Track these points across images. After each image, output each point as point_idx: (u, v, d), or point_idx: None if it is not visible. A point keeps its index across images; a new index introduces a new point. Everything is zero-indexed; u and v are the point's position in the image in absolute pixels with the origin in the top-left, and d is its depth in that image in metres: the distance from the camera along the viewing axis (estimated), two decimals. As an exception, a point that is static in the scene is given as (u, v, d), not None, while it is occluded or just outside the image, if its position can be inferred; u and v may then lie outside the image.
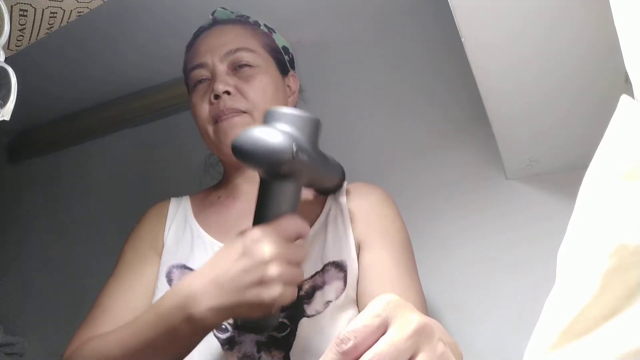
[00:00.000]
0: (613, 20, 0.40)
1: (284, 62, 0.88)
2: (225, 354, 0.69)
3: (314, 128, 0.63)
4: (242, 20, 0.88)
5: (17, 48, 0.58)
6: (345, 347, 0.35)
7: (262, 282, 0.56)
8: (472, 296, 1.05)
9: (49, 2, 0.55)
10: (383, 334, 0.35)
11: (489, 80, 0.84)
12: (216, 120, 0.79)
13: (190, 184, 0.96)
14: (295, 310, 0.71)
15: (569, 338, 0.31)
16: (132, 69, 1.39)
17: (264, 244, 0.57)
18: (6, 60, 0.46)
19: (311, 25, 1.28)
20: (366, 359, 0.34)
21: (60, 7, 0.56)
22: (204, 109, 0.80)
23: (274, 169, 0.59)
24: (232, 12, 0.90)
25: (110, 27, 1.20)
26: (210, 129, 0.80)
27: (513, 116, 0.92)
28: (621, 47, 0.38)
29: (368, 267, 0.73)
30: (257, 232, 0.58)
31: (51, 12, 0.56)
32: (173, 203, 0.86)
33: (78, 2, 0.57)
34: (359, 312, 0.72)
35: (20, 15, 0.54)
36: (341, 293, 0.72)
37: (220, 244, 0.77)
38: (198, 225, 0.81)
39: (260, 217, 0.61)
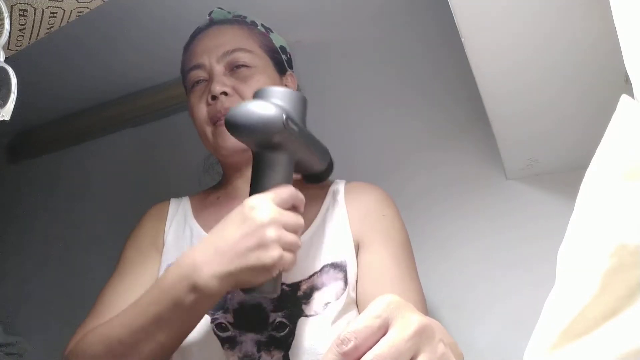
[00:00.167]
0: (613, 21, 0.40)
1: (281, 62, 0.87)
2: (226, 354, 0.69)
3: (301, 104, 0.67)
4: (239, 21, 0.88)
5: (17, 48, 0.58)
6: (345, 347, 0.35)
7: (261, 245, 0.57)
8: (472, 296, 1.05)
9: (49, 2, 0.55)
10: (384, 334, 0.35)
11: (489, 80, 0.84)
12: (214, 121, 0.79)
13: (190, 184, 0.96)
14: (294, 309, 0.71)
15: (569, 338, 0.31)
16: (132, 69, 1.39)
17: (260, 209, 0.59)
18: (6, 60, 0.46)
19: (311, 25, 1.28)
20: (367, 360, 0.34)
21: (60, 7, 0.56)
22: (202, 110, 0.81)
23: (266, 138, 0.62)
24: (229, 12, 0.90)
25: (110, 27, 1.20)
26: (208, 130, 0.80)
27: (513, 116, 0.92)
28: (621, 47, 0.38)
29: (367, 267, 0.73)
30: (253, 200, 0.61)
31: (51, 12, 0.56)
32: (173, 203, 0.87)
33: (78, 2, 0.57)
34: (359, 312, 0.72)
35: (20, 15, 0.54)
36: (342, 293, 0.71)
37: None
38: (197, 225, 0.81)
39: (256, 189, 0.63)
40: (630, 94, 0.35)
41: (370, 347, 0.35)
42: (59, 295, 1.42)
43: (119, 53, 1.31)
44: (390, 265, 0.72)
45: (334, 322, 0.69)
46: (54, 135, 1.62)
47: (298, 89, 0.91)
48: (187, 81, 0.84)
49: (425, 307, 0.72)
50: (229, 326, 0.71)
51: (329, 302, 0.71)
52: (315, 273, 0.73)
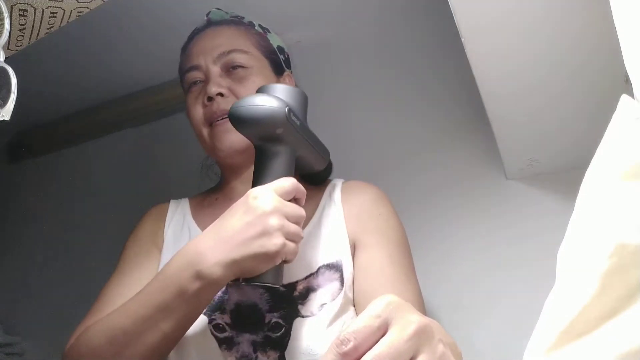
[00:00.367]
0: (613, 21, 0.40)
1: (278, 62, 0.87)
2: (223, 354, 0.69)
3: (302, 100, 0.70)
4: (235, 21, 0.88)
5: (17, 48, 0.58)
6: (345, 348, 0.35)
7: (264, 232, 0.59)
8: (472, 296, 1.05)
9: (49, 2, 0.55)
10: (383, 334, 0.36)
11: (489, 80, 0.84)
12: (210, 122, 0.79)
13: (190, 184, 0.96)
14: (290, 310, 0.71)
15: (569, 338, 0.31)
16: (132, 69, 1.39)
17: (263, 199, 0.60)
18: (6, 60, 0.46)
19: (311, 26, 1.28)
20: (366, 360, 0.34)
21: (60, 7, 0.56)
22: (198, 111, 0.81)
23: (269, 131, 0.64)
24: (226, 13, 0.90)
25: (110, 27, 1.20)
26: (204, 131, 0.81)
27: (513, 116, 0.92)
28: (621, 48, 0.38)
29: (364, 267, 0.72)
30: (256, 190, 0.62)
31: (51, 12, 0.56)
32: (172, 204, 0.87)
33: (78, 2, 0.57)
34: (356, 312, 0.72)
35: (20, 15, 0.54)
36: (338, 294, 0.71)
37: None
38: (196, 226, 0.82)
39: (258, 181, 0.65)
40: (630, 94, 0.35)
41: (370, 347, 0.35)
42: (59, 295, 1.42)
43: (119, 53, 1.31)
44: (386, 265, 0.72)
45: (330, 323, 0.69)
46: (54, 135, 1.61)
47: None
48: (184, 82, 0.84)
49: (422, 307, 0.72)
50: (226, 327, 0.71)
51: (324, 304, 0.71)
52: (312, 274, 0.73)
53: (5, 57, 0.47)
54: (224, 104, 0.78)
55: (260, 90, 0.69)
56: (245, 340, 0.70)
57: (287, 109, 0.63)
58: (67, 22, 0.59)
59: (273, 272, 0.62)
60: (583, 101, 0.86)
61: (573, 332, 0.31)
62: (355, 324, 0.36)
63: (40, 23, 0.57)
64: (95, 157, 1.57)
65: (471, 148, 1.14)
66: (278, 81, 0.86)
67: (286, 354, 0.69)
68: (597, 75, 0.80)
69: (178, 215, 0.84)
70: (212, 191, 0.89)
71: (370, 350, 0.34)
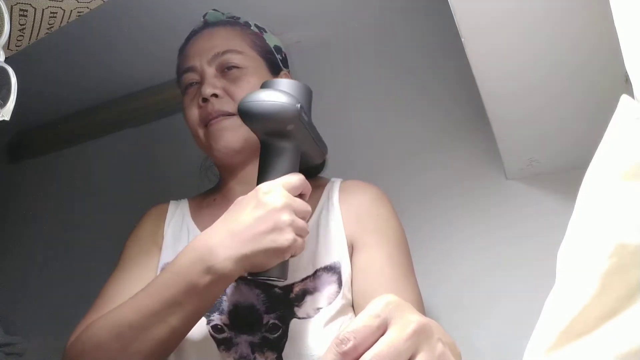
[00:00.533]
0: (613, 21, 0.40)
1: (275, 62, 0.87)
2: (222, 355, 0.69)
3: (309, 95, 0.69)
4: (231, 22, 0.88)
5: (17, 48, 0.58)
6: (345, 347, 0.35)
7: (276, 228, 0.59)
8: (472, 296, 1.05)
9: (49, 2, 0.55)
10: (382, 334, 0.36)
11: (489, 80, 0.84)
12: (205, 123, 0.79)
13: (190, 184, 0.96)
14: (286, 311, 0.71)
15: (569, 338, 0.31)
16: (132, 69, 1.39)
17: (274, 194, 0.61)
18: (6, 60, 0.46)
19: (311, 26, 1.28)
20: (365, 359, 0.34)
21: (60, 7, 0.56)
22: (194, 112, 0.81)
23: (279, 127, 0.63)
24: (222, 14, 0.90)
25: (110, 27, 1.20)
26: (200, 132, 0.81)
27: (513, 116, 0.92)
28: (621, 48, 0.38)
29: (362, 268, 0.72)
30: (266, 185, 0.62)
31: (51, 12, 0.56)
32: (172, 205, 0.87)
33: (78, 2, 0.57)
34: (355, 313, 0.72)
35: (20, 15, 0.54)
36: (335, 297, 0.71)
37: None
38: (195, 226, 0.82)
39: (265, 176, 0.65)
40: (630, 94, 0.35)
41: (369, 347, 0.35)
42: (59, 295, 1.42)
43: (119, 53, 1.31)
44: (385, 266, 0.71)
45: (326, 324, 0.69)
46: (54, 135, 1.62)
47: None
48: (181, 84, 0.85)
49: (421, 307, 0.71)
50: (225, 328, 0.71)
51: (320, 308, 0.70)
52: (309, 277, 0.73)
53: (5, 57, 0.47)
54: (218, 105, 0.78)
55: (266, 85, 0.68)
56: (243, 341, 0.70)
57: (299, 105, 0.63)
58: (67, 22, 0.59)
59: (279, 267, 0.62)
60: (583, 101, 0.86)
61: (573, 332, 0.31)
62: (355, 324, 0.36)
63: (40, 23, 0.57)
64: (95, 157, 1.58)
65: (471, 148, 1.14)
66: None
67: (283, 355, 0.68)
68: (597, 75, 0.80)
69: (177, 216, 0.85)
70: (211, 192, 0.89)
71: (369, 350, 0.35)
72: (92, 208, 1.50)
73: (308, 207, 0.64)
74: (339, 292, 0.71)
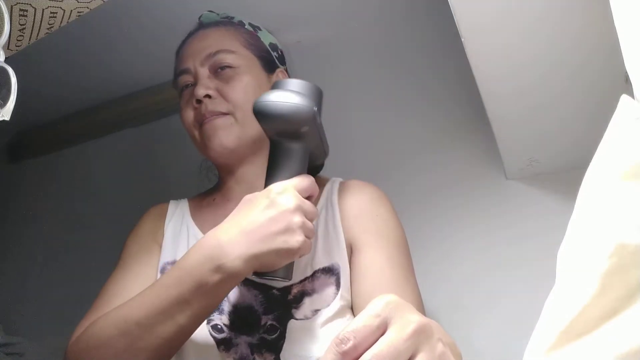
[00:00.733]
0: (613, 21, 0.40)
1: (270, 60, 0.87)
2: (222, 355, 0.69)
3: (320, 96, 0.68)
4: (225, 22, 0.88)
5: (17, 48, 0.58)
6: (344, 347, 0.35)
7: (288, 229, 0.59)
8: (472, 296, 1.05)
9: (49, 2, 0.55)
10: (382, 334, 0.35)
11: (489, 80, 0.84)
12: (200, 123, 0.80)
13: (189, 184, 0.96)
14: (284, 312, 0.70)
15: (569, 338, 0.31)
16: (132, 69, 1.39)
17: (287, 196, 0.61)
18: (6, 60, 0.46)
19: (311, 26, 1.28)
20: (365, 359, 0.34)
21: (60, 7, 0.56)
22: (189, 114, 0.82)
23: (294, 128, 0.63)
24: (217, 15, 0.90)
25: (110, 27, 1.20)
26: (196, 133, 0.81)
27: (513, 116, 0.92)
28: (621, 47, 0.38)
29: (361, 269, 0.71)
30: (279, 185, 0.63)
31: (51, 12, 0.56)
32: (172, 204, 0.87)
33: (78, 2, 0.57)
34: (354, 315, 0.71)
35: (20, 15, 0.54)
36: (333, 298, 0.71)
37: None
38: (194, 225, 0.82)
39: (275, 176, 0.65)
40: (630, 94, 0.35)
41: (369, 347, 0.35)
42: (59, 295, 1.42)
43: (119, 53, 1.31)
44: (385, 267, 0.70)
45: (324, 325, 0.69)
46: (54, 135, 1.62)
47: None
48: (177, 86, 0.85)
49: (422, 308, 0.71)
50: (225, 328, 0.71)
51: (318, 310, 0.70)
52: (307, 278, 0.72)
53: (5, 57, 0.47)
54: (211, 106, 0.78)
55: (280, 85, 0.67)
56: (243, 342, 0.70)
57: (315, 108, 0.63)
58: (67, 22, 0.59)
59: (285, 267, 0.62)
60: (583, 101, 0.86)
61: (573, 332, 0.31)
62: (355, 323, 0.36)
63: (40, 23, 0.57)
64: (95, 157, 1.58)
65: (471, 148, 1.14)
66: (269, 78, 0.86)
67: (281, 356, 0.68)
68: (597, 75, 0.80)
69: (177, 215, 0.85)
70: (211, 192, 0.89)
71: (369, 349, 0.34)
72: (92, 208, 1.50)
73: (316, 210, 0.64)
74: (337, 294, 0.71)
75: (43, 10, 0.55)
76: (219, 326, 0.71)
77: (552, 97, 0.86)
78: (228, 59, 0.81)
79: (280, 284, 0.71)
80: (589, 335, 0.30)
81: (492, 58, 0.79)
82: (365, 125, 1.24)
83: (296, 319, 0.70)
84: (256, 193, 0.63)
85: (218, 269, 0.59)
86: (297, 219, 0.60)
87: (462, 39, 0.74)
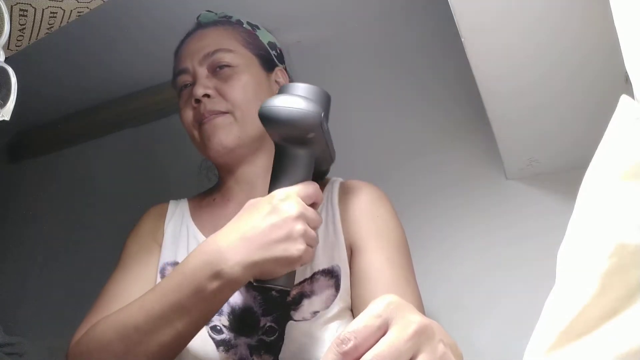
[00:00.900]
0: (613, 21, 0.40)
1: (269, 59, 0.87)
2: (221, 356, 0.69)
3: (328, 102, 0.67)
4: (223, 21, 0.88)
5: (17, 48, 0.58)
6: (345, 347, 0.35)
7: (289, 237, 0.58)
8: (472, 296, 1.05)
9: (49, 2, 0.55)
10: (383, 334, 0.35)
11: (489, 80, 0.84)
12: (199, 123, 0.80)
13: (189, 184, 0.96)
14: (283, 314, 0.70)
15: (569, 338, 0.31)
16: (132, 69, 1.39)
17: (290, 203, 0.60)
18: (6, 60, 0.46)
19: (311, 26, 1.28)
20: (366, 360, 0.34)
21: (60, 7, 0.56)
22: (188, 114, 0.81)
23: (300, 134, 0.62)
24: (215, 14, 0.90)
25: (110, 27, 1.20)
26: (195, 133, 0.81)
27: (513, 116, 0.92)
28: (621, 47, 0.38)
29: (362, 271, 0.71)
30: (282, 192, 0.61)
31: (51, 12, 0.56)
32: (172, 204, 0.87)
33: (78, 2, 0.57)
34: (354, 317, 0.71)
35: (20, 15, 0.54)
36: (332, 301, 0.70)
37: None
38: (194, 225, 0.82)
39: (279, 182, 0.64)
40: (630, 94, 0.35)
41: (370, 347, 0.35)
42: (59, 295, 1.42)
43: (119, 53, 1.31)
44: (385, 268, 0.70)
45: (323, 327, 0.69)
46: (54, 135, 1.62)
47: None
48: (176, 86, 0.85)
49: (422, 309, 0.70)
50: (224, 329, 0.71)
51: (317, 311, 0.70)
52: (306, 280, 0.72)
53: (5, 57, 0.47)
54: (210, 105, 0.78)
55: (287, 90, 0.65)
56: (242, 343, 0.70)
57: (322, 114, 0.61)
58: (67, 22, 0.59)
59: (286, 276, 0.61)
60: (583, 101, 0.86)
61: (573, 332, 0.31)
62: (356, 324, 0.36)
63: (40, 23, 0.57)
64: (95, 157, 1.57)
65: (471, 148, 1.14)
66: (268, 77, 0.86)
67: (280, 358, 0.68)
68: (597, 75, 0.80)
69: (177, 215, 0.84)
70: (211, 192, 0.89)
71: (370, 350, 0.34)
72: (92, 208, 1.50)
73: (320, 217, 0.63)
74: (336, 296, 0.71)
75: (43, 10, 0.55)
76: (218, 327, 0.71)
77: (552, 97, 0.86)
78: (226, 58, 0.81)
79: (288, 290, 0.71)
80: (589, 335, 0.30)
81: (492, 57, 0.79)
82: (365, 125, 1.24)
83: (295, 321, 0.70)
84: (260, 198, 0.62)
85: (217, 275, 0.58)
86: (299, 226, 0.59)
87: (462, 39, 0.74)
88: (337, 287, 0.71)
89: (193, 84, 0.81)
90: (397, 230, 0.75)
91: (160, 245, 0.80)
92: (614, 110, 0.34)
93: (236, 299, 0.72)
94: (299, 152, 0.64)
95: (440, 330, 0.39)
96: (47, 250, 1.53)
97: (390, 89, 1.24)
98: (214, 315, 0.63)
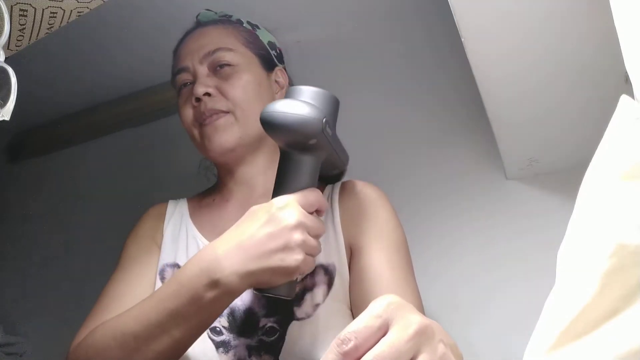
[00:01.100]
0: (613, 21, 0.40)
1: (269, 58, 0.87)
2: (220, 357, 0.69)
3: (336, 106, 0.65)
4: (223, 20, 0.88)
5: (17, 48, 0.58)
6: (346, 347, 0.35)
7: (286, 247, 0.57)
8: (472, 296, 1.05)
9: (49, 2, 0.55)
10: (384, 335, 0.36)
11: (490, 81, 0.83)
12: (200, 122, 0.79)
13: (189, 184, 0.96)
14: (285, 314, 0.70)
15: (569, 338, 0.31)
16: (131, 69, 1.39)
17: (289, 211, 0.58)
18: (6, 60, 0.46)
19: (311, 26, 1.28)
20: (366, 360, 0.34)
21: (60, 7, 0.56)
22: (188, 112, 0.81)
23: (301, 141, 0.60)
24: (215, 13, 0.89)
25: (110, 27, 1.20)
26: (196, 132, 0.81)
27: (513, 117, 0.92)
28: (621, 48, 0.38)
29: (362, 271, 0.70)
30: (282, 200, 0.60)
31: (51, 12, 0.56)
32: (171, 204, 0.87)
33: (78, 2, 0.57)
34: (353, 317, 0.71)
35: (20, 15, 0.54)
36: (325, 296, 0.71)
37: None
38: (193, 226, 0.82)
39: (282, 189, 0.62)
40: (630, 94, 0.35)
41: (371, 347, 0.35)
42: (59, 296, 1.42)
43: (118, 53, 1.31)
44: (385, 270, 0.69)
45: (323, 326, 0.69)
46: (54, 135, 1.62)
47: (291, 84, 0.91)
48: (175, 85, 0.85)
49: (422, 309, 0.70)
50: (223, 330, 0.71)
51: (318, 304, 0.70)
52: (308, 275, 0.72)
53: (5, 57, 0.47)
54: (211, 103, 0.78)
55: (292, 93, 0.64)
56: (241, 344, 0.70)
57: (324, 120, 0.59)
58: (67, 22, 0.59)
59: (287, 285, 0.60)
60: (583, 102, 0.86)
61: (573, 332, 0.31)
62: (356, 324, 0.36)
63: (40, 23, 0.57)
64: (94, 157, 1.58)
65: (471, 148, 1.14)
66: (269, 76, 0.86)
67: (280, 358, 0.68)
68: (598, 76, 0.80)
69: (176, 215, 0.84)
70: (210, 192, 0.88)
71: (370, 350, 0.34)
72: (92, 208, 1.50)
73: (322, 225, 0.62)
74: (328, 294, 0.71)
75: (43, 10, 0.55)
76: (218, 328, 0.71)
77: (553, 99, 0.86)
78: (227, 56, 0.81)
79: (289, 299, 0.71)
80: (589, 335, 0.30)
81: (492, 59, 0.79)
82: (365, 125, 1.24)
83: (298, 319, 0.70)
84: (261, 205, 0.61)
85: (213, 284, 0.57)
86: (297, 236, 0.57)
87: (462, 39, 0.74)
88: (329, 285, 0.72)
89: (193, 82, 0.81)
90: (397, 231, 0.75)
91: (160, 246, 0.80)
92: (614, 110, 0.34)
93: (237, 299, 0.72)
94: (303, 158, 0.62)
95: (440, 330, 0.39)
96: (47, 250, 1.53)
97: (390, 89, 1.24)
98: (213, 323, 0.63)
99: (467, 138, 1.14)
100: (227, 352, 0.69)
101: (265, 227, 0.58)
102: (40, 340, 1.26)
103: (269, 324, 0.70)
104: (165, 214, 0.85)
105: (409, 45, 1.24)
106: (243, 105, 0.79)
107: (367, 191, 0.78)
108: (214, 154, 0.80)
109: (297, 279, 0.61)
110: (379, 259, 0.70)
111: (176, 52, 0.87)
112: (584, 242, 0.32)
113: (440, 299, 1.04)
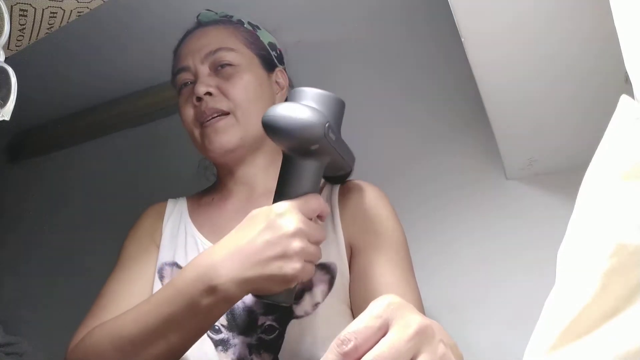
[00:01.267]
0: (613, 21, 0.40)
1: (269, 59, 0.87)
2: (219, 356, 0.69)
3: (341, 109, 0.65)
4: (224, 20, 0.88)
5: (17, 48, 0.59)
6: (346, 348, 0.35)
7: (284, 255, 0.56)
8: (472, 296, 1.05)
9: (49, 2, 0.55)
10: (384, 335, 0.36)
11: (490, 81, 0.84)
12: (201, 122, 0.79)
13: (188, 184, 0.96)
14: (285, 312, 0.70)
15: (568, 338, 0.31)
16: (131, 69, 1.39)
17: (288, 218, 0.57)
18: (6, 60, 0.46)
19: (311, 26, 1.28)
20: (367, 360, 0.34)
21: (60, 7, 0.56)
22: (189, 112, 0.81)
23: (305, 145, 0.59)
24: (215, 13, 0.90)
25: (110, 27, 1.20)
26: (196, 132, 0.81)
27: (513, 116, 0.92)
28: (621, 47, 0.38)
29: (362, 271, 0.71)
30: (281, 206, 0.59)
31: (51, 12, 0.56)
32: (170, 203, 0.87)
33: (78, 2, 0.57)
34: (353, 317, 0.71)
35: (20, 15, 0.54)
36: (325, 296, 0.71)
37: (211, 244, 0.77)
38: (192, 225, 0.82)
39: (283, 193, 0.61)
40: (630, 94, 0.35)
41: (371, 348, 0.35)
42: (59, 295, 1.42)
43: (119, 53, 1.31)
44: (385, 270, 0.69)
45: (323, 325, 0.69)
46: (54, 135, 1.62)
47: (291, 85, 0.91)
48: (176, 84, 0.85)
49: (422, 310, 0.70)
50: (222, 328, 0.71)
51: (318, 303, 0.70)
52: None
53: (5, 57, 0.47)
54: (212, 103, 0.78)
55: (295, 95, 0.63)
56: (240, 343, 0.70)
57: (326, 125, 0.58)
58: (67, 22, 0.59)
59: (286, 292, 0.60)
60: (583, 102, 0.86)
61: (573, 332, 0.31)
62: (356, 324, 0.36)
63: (40, 23, 0.57)
64: (95, 157, 1.58)
65: (471, 148, 1.14)
66: (269, 77, 0.86)
67: (280, 356, 0.68)
68: (598, 76, 0.80)
69: (176, 214, 0.84)
70: (209, 191, 0.88)
71: (370, 351, 0.35)
72: (92, 208, 1.50)
73: (323, 233, 0.61)
74: (328, 293, 0.71)
75: (43, 10, 0.55)
76: (217, 327, 0.71)
77: (552, 99, 0.86)
78: (228, 56, 0.81)
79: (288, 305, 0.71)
80: (589, 335, 0.30)
81: (492, 59, 0.79)
82: (365, 125, 1.24)
83: (297, 318, 0.70)
84: (260, 210, 0.60)
85: (210, 290, 0.57)
86: (296, 243, 0.56)
87: (463, 40, 0.74)
88: (330, 284, 0.71)
89: (194, 82, 0.81)
90: (397, 231, 0.75)
91: (159, 245, 0.80)
92: (614, 110, 0.34)
93: None
94: (305, 162, 0.61)
95: (440, 330, 0.39)
96: (47, 249, 1.53)
97: (390, 89, 1.24)
98: (210, 328, 0.63)
99: (468, 138, 1.14)
100: (226, 350, 0.70)
101: (264, 234, 0.57)
102: (40, 340, 1.26)
103: (268, 322, 0.70)
104: (164, 212, 0.85)
105: (409, 46, 1.24)
106: (244, 105, 0.79)
107: (367, 191, 0.78)
108: (214, 155, 0.80)
109: (295, 286, 0.61)
110: (379, 259, 0.70)
111: (176, 51, 0.87)
112: (584, 242, 0.32)
113: (441, 299, 1.04)
